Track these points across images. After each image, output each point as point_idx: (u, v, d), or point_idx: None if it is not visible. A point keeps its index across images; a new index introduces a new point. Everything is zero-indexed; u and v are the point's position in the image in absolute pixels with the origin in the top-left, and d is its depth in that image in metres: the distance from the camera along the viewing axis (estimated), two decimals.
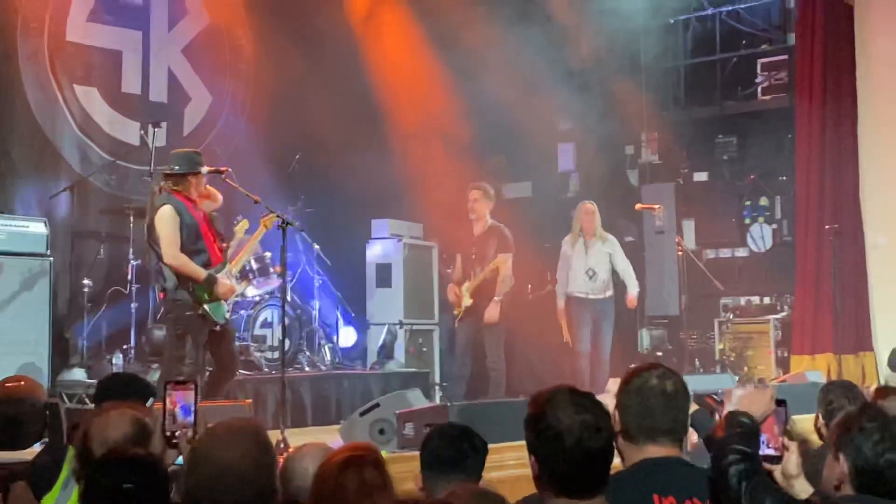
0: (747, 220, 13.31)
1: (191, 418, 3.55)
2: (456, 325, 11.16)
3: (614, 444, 3.42)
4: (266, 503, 3.29)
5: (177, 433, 3.54)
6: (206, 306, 8.03)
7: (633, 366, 3.86)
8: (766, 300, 12.99)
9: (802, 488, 3.56)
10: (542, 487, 3.35)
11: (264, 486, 3.23)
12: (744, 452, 3.52)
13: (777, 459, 3.61)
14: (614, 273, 11.58)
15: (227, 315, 8.35)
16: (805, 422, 5.67)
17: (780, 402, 3.71)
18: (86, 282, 10.61)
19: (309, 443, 4.07)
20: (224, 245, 8.38)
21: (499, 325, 10.78)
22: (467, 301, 10.77)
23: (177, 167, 8.17)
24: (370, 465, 3.33)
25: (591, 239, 11.51)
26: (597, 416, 3.29)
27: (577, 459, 3.24)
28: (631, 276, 11.63)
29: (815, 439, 5.31)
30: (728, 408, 3.67)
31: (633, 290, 11.58)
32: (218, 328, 8.17)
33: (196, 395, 3.60)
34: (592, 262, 11.45)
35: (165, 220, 7.99)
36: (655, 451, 3.50)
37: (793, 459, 3.61)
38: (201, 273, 7.99)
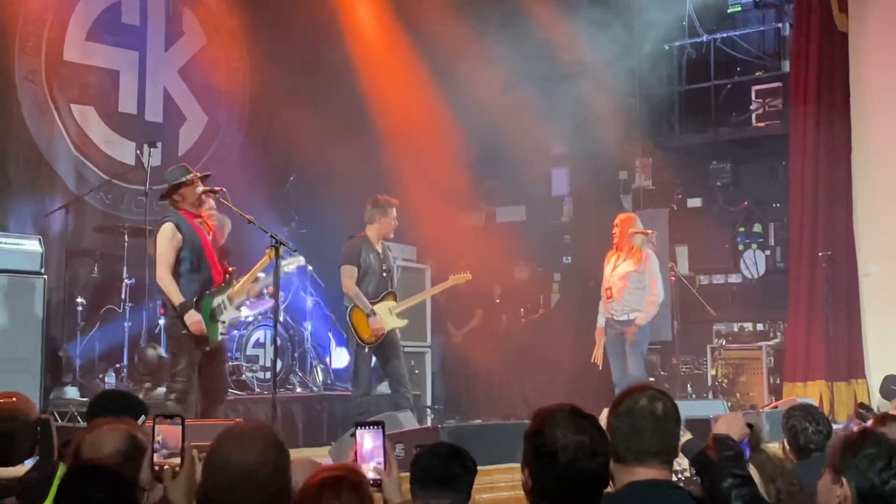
0: (741, 247, 13.33)
1: (177, 452, 3.52)
2: (367, 351, 9.76)
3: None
4: None
5: (164, 467, 3.51)
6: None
7: (624, 388, 3.88)
8: (759, 327, 12.98)
9: None
10: (533, 501, 3.35)
11: (280, 489, 3.25)
12: (742, 476, 3.57)
13: None
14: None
15: (221, 336, 8.37)
16: None
17: (750, 426, 3.87)
18: (79, 300, 10.63)
19: (296, 458, 4.07)
20: (231, 268, 8.41)
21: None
22: (400, 323, 9.78)
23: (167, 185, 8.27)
24: (347, 487, 3.31)
25: (621, 254, 10.63)
26: (594, 439, 3.29)
27: (569, 479, 3.24)
28: (653, 300, 10.44)
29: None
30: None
31: (641, 317, 10.39)
32: (208, 348, 8.19)
33: (183, 429, 3.57)
34: (614, 280, 10.52)
35: (162, 238, 8.06)
36: (645, 473, 3.47)
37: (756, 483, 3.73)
38: (178, 299, 8.03)
